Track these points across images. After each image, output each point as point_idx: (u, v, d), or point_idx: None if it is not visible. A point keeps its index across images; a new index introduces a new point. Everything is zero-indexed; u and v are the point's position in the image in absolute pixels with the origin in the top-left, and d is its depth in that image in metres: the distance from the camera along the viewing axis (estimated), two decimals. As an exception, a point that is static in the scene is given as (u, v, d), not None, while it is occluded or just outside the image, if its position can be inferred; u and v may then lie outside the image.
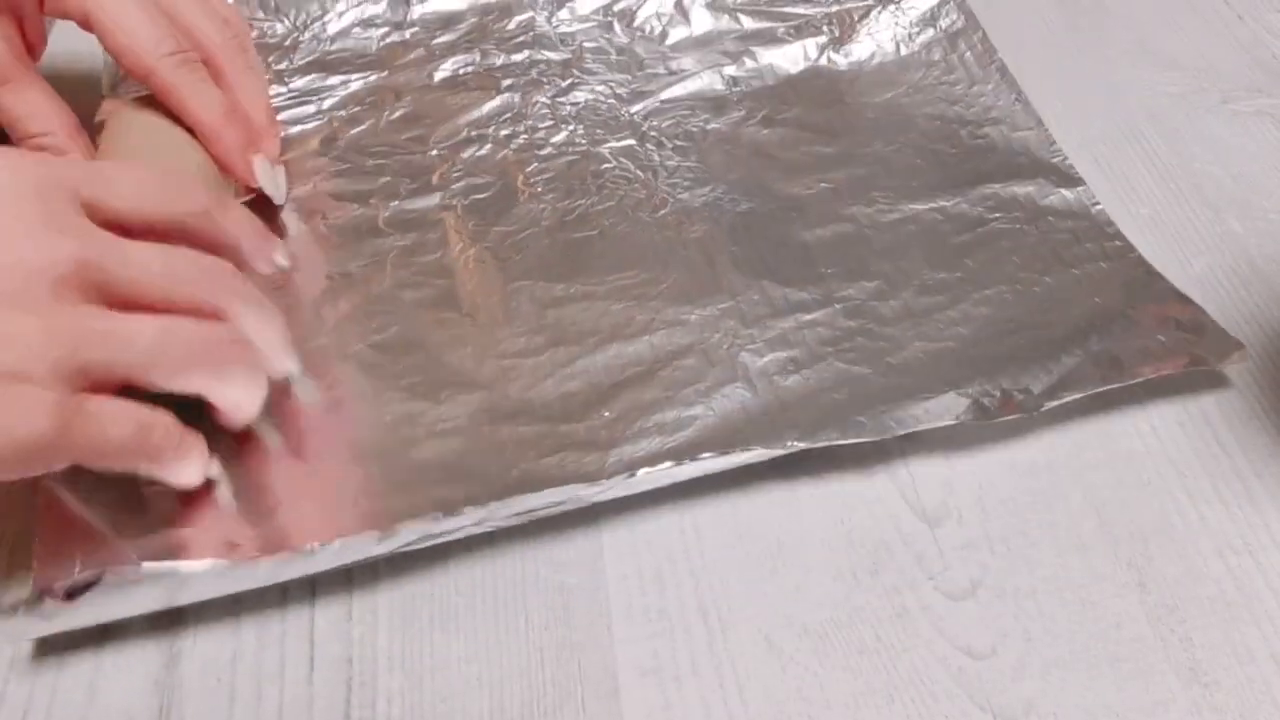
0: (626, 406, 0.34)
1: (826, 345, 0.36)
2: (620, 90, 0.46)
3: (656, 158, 0.43)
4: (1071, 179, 0.42)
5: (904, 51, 0.47)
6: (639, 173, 0.42)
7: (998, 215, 0.40)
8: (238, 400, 0.31)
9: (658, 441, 0.33)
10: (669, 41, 0.48)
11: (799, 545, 0.33)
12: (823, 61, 0.47)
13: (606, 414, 0.34)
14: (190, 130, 0.38)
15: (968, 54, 0.47)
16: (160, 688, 0.30)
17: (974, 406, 0.34)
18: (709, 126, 0.44)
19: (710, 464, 0.33)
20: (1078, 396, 0.34)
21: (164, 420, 0.30)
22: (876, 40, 0.47)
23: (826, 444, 0.33)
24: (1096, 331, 0.36)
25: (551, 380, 0.35)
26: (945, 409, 0.34)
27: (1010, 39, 0.48)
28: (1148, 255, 0.39)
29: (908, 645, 0.31)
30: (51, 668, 0.30)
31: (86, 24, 0.36)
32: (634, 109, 0.45)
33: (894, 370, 0.35)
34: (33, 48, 0.39)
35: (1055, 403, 0.34)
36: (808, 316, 0.37)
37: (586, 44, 0.48)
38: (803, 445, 0.33)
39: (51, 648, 0.31)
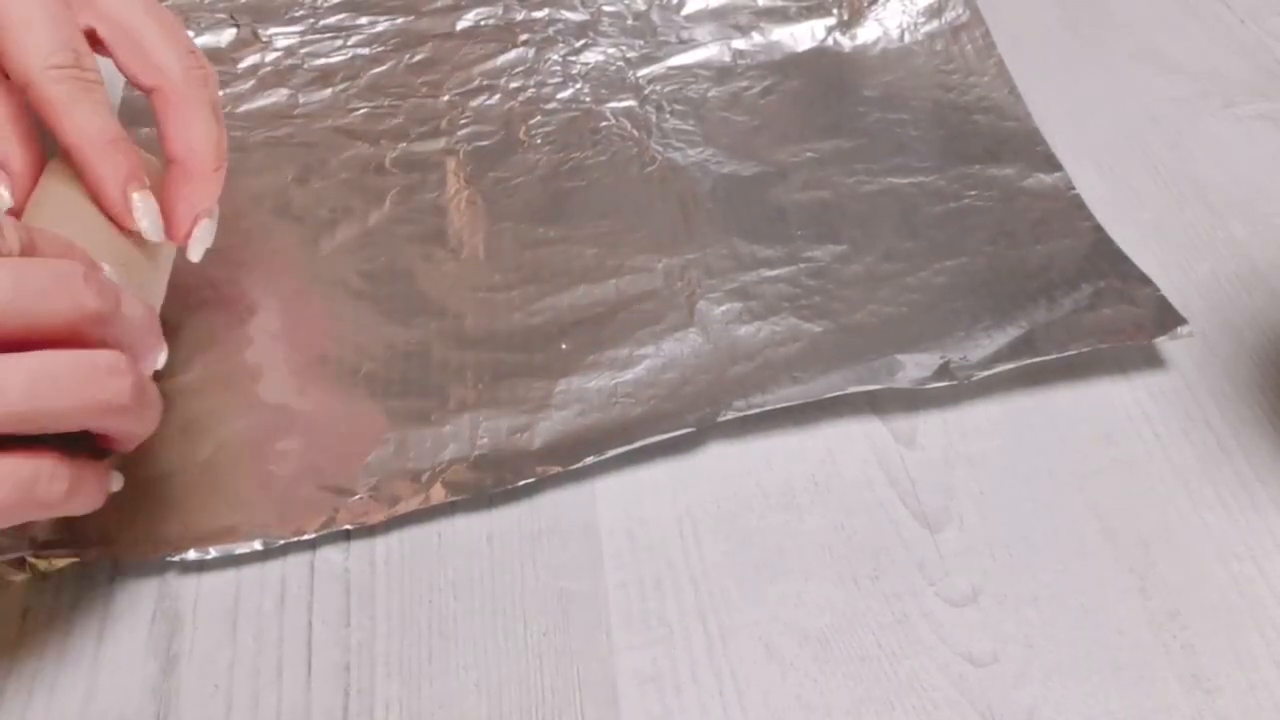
0: (582, 340, 0.37)
1: (784, 300, 0.38)
2: (630, 54, 0.47)
3: (654, 119, 0.45)
4: (1052, 164, 0.43)
5: (908, 39, 0.48)
6: (634, 132, 0.44)
7: (973, 192, 0.42)
8: (131, 429, 0.29)
9: (607, 376, 0.36)
10: (684, 11, 0.49)
11: (799, 551, 0.33)
12: (829, 42, 0.48)
13: (563, 346, 0.37)
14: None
15: (968, 47, 0.48)
16: (157, 694, 0.30)
17: (911, 371, 0.35)
18: (709, 94, 0.46)
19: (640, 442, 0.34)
20: (1009, 367, 0.35)
21: (46, 467, 0.26)
22: (883, 26, 0.48)
23: (760, 410, 0.34)
24: (1046, 304, 0.37)
25: (519, 314, 0.38)
26: (882, 371, 0.35)
27: (1012, 43, 0.48)
28: (1150, 259, 0.39)
29: (908, 652, 0.30)
30: (48, 673, 0.30)
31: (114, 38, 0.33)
32: (640, 73, 0.47)
33: (844, 330, 0.37)
34: None
35: (987, 372, 0.35)
36: (770, 272, 0.39)
37: (605, 7, 0.49)
38: (734, 415, 0.34)
39: (50, 649, 0.31)
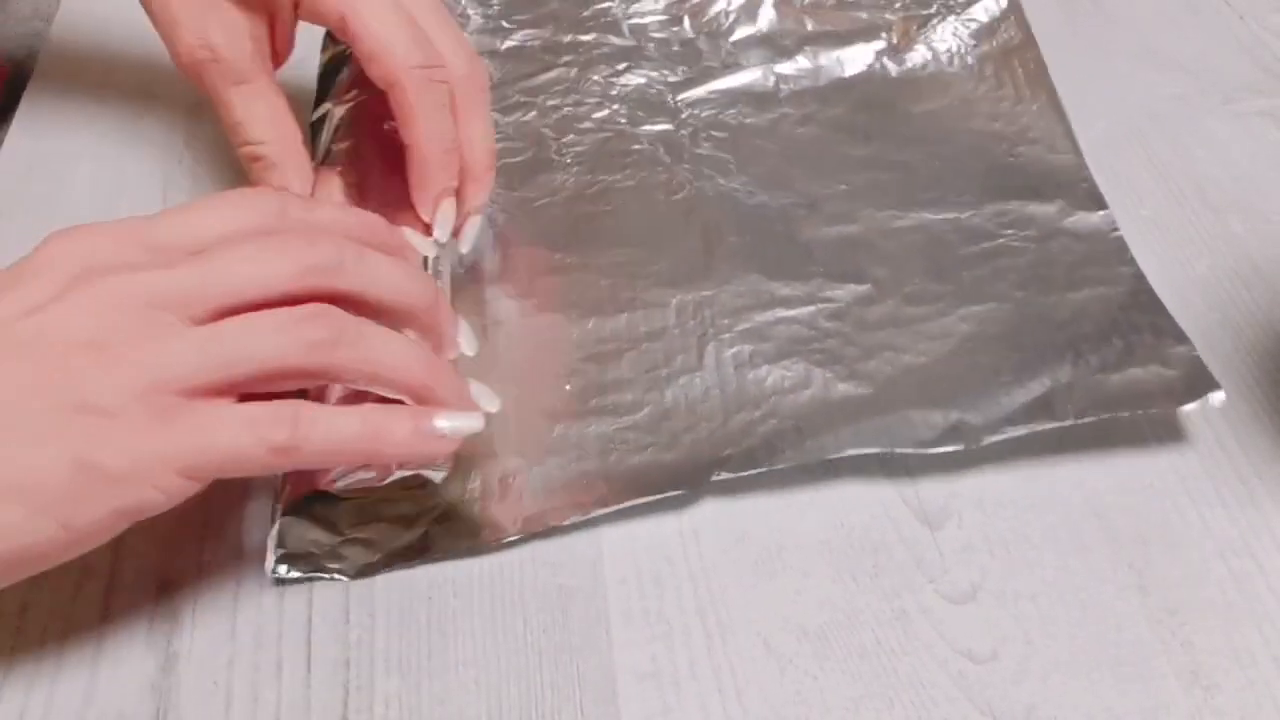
0: (586, 383, 0.36)
1: (798, 343, 0.36)
2: (671, 78, 0.47)
3: (688, 144, 0.44)
4: (1097, 202, 0.40)
5: (957, 65, 0.46)
6: (666, 157, 0.43)
7: (1009, 232, 0.40)
8: (377, 379, 0.30)
9: (608, 422, 0.35)
10: (733, 38, 0.48)
11: (798, 548, 0.33)
12: (876, 67, 0.47)
13: (567, 387, 0.36)
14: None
15: (1020, 71, 0.46)
16: (157, 691, 0.30)
17: (920, 431, 0.34)
18: (747, 121, 0.45)
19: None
20: (1020, 434, 0.33)
21: (266, 408, 0.28)
22: (933, 49, 0.47)
23: (755, 472, 0.33)
24: (1071, 361, 0.35)
25: (524, 346, 0.37)
26: (890, 430, 0.34)
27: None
28: (1149, 256, 0.39)
29: (908, 649, 0.30)
30: (48, 671, 0.30)
31: (342, 28, 0.35)
32: (680, 97, 0.46)
33: (856, 378, 0.35)
34: (278, 54, 0.38)
35: (996, 437, 0.33)
36: (787, 313, 0.37)
37: (654, 34, 0.49)
38: (727, 476, 0.33)
39: (49, 646, 0.31)
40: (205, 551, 0.33)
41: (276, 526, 0.32)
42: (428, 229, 0.37)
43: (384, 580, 0.32)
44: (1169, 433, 0.35)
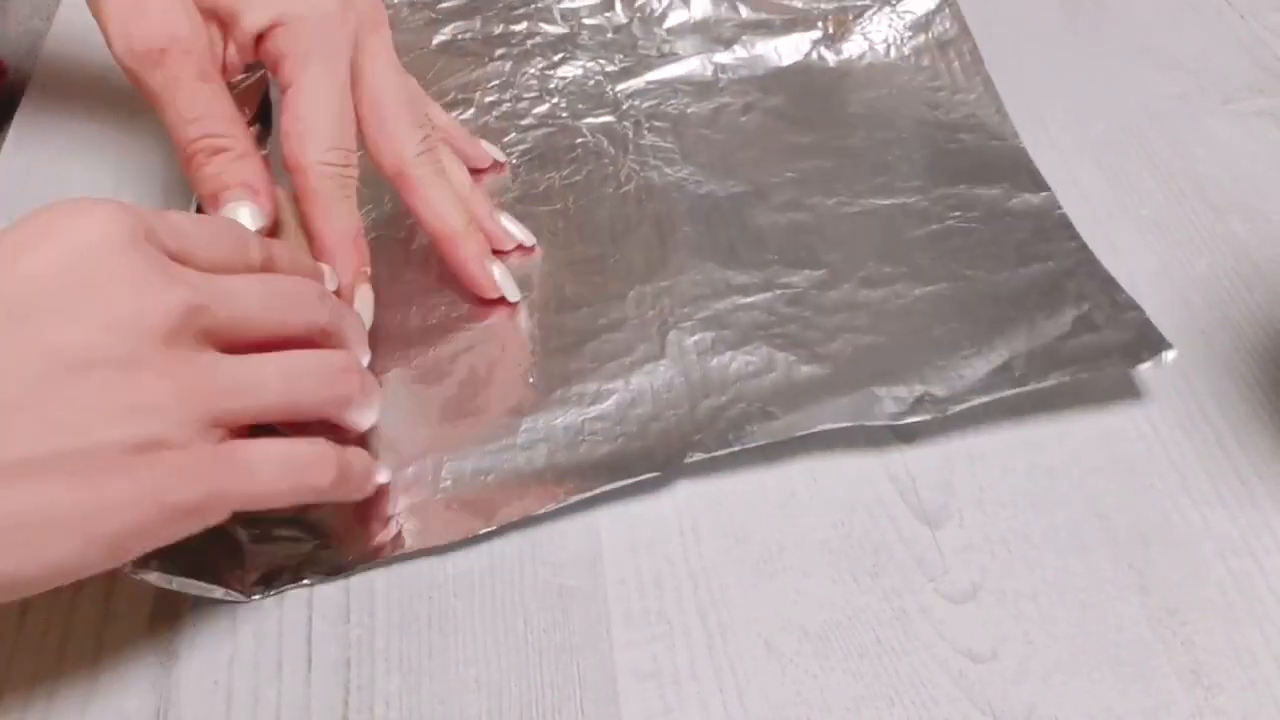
0: (548, 375, 0.36)
1: (758, 329, 0.37)
2: (609, 68, 0.47)
3: (631, 136, 0.44)
4: (1038, 184, 0.41)
5: (894, 55, 0.47)
6: (611, 149, 0.43)
7: (956, 213, 0.40)
8: (359, 420, 0.32)
9: (575, 413, 0.35)
10: (666, 24, 0.48)
11: (799, 548, 0.33)
12: (814, 57, 0.47)
13: (530, 380, 0.36)
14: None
15: (955, 63, 0.47)
16: (157, 689, 0.30)
17: (888, 405, 0.34)
18: (689, 110, 0.45)
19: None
20: (986, 400, 0.34)
21: (318, 451, 0.30)
22: (869, 40, 0.48)
23: (728, 451, 0.33)
24: (1027, 330, 0.36)
25: (485, 344, 0.37)
26: (858, 406, 0.34)
27: (1011, 39, 0.48)
28: (1149, 256, 0.39)
29: (908, 648, 0.30)
30: (49, 670, 0.30)
31: (283, 90, 0.35)
32: (619, 87, 0.46)
33: (819, 360, 0.36)
34: (227, 70, 0.38)
35: (962, 406, 0.34)
36: (745, 300, 0.38)
37: (586, 20, 0.48)
38: (701, 456, 0.33)
39: (50, 645, 0.31)
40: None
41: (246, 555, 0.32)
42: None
43: (384, 580, 0.32)
44: (1170, 432, 0.35)
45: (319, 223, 0.35)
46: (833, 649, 0.31)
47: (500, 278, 0.38)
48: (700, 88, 0.46)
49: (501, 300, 0.38)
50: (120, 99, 0.46)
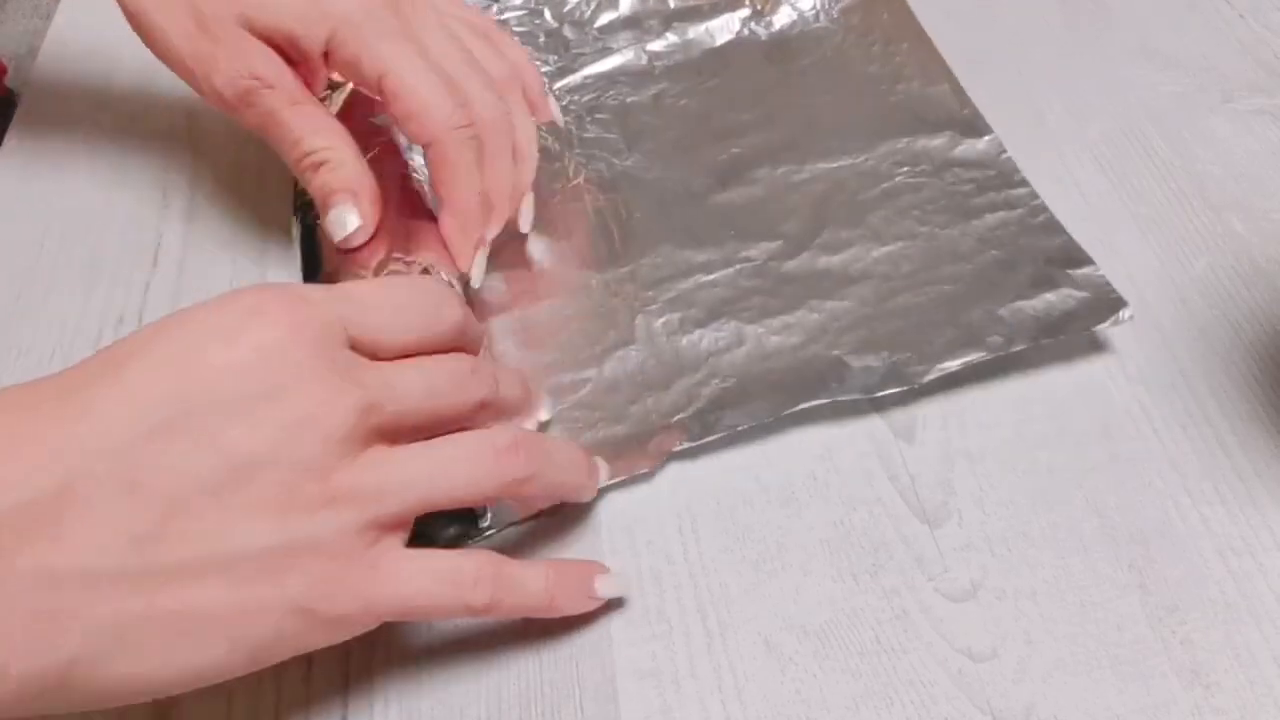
0: (519, 369, 0.36)
1: (725, 304, 0.37)
2: (545, 69, 0.47)
3: (574, 131, 0.44)
4: (979, 129, 0.42)
5: (824, 20, 0.48)
6: (556, 146, 0.44)
7: (904, 169, 0.41)
8: (552, 493, 0.32)
9: (550, 404, 0.35)
10: (598, 24, 0.49)
11: (798, 547, 0.33)
12: (745, 33, 0.48)
13: None
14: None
15: (885, 16, 0.48)
16: (157, 690, 0.30)
17: (860, 376, 0.35)
18: (629, 100, 0.46)
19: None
20: (956, 366, 0.35)
21: (470, 564, 0.28)
22: (798, 9, 0.49)
23: (712, 437, 0.34)
24: (986, 290, 0.37)
25: None
26: (830, 378, 0.35)
27: (1011, 38, 0.48)
28: (1149, 255, 0.39)
29: (907, 647, 0.30)
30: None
31: (379, 87, 0.35)
32: (556, 85, 0.46)
33: (786, 329, 0.37)
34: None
35: (933, 375, 0.35)
36: (708, 277, 0.38)
37: (517, 28, 0.49)
38: (688, 445, 0.34)
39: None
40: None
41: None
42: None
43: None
44: (1170, 431, 0.35)
45: (454, 191, 0.36)
46: (832, 648, 0.31)
47: (478, 263, 0.38)
48: (637, 77, 0.47)
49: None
50: (121, 97, 0.46)
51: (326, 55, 0.36)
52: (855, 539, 0.33)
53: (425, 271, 0.35)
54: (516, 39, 0.42)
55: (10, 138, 0.46)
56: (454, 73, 0.36)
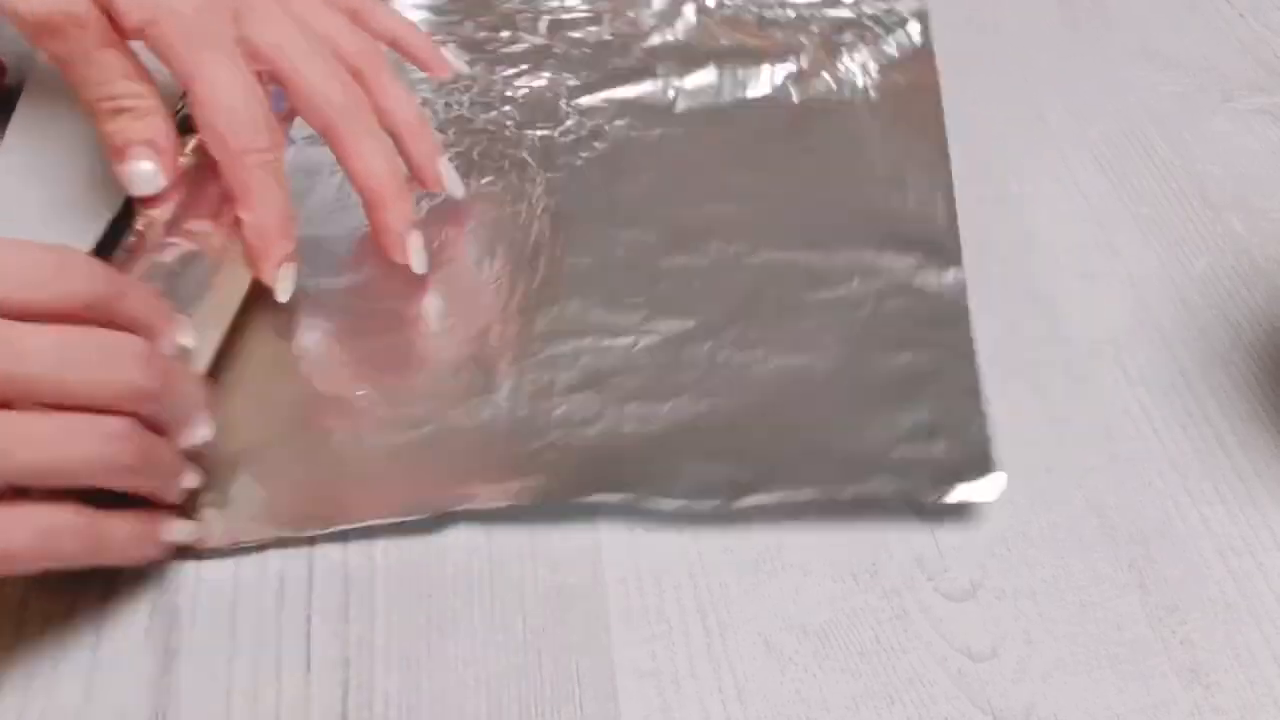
0: (374, 394, 0.35)
1: (603, 375, 0.35)
2: (571, 82, 0.46)
3: (565, 155, 0.43)
4: (949, 256, 0.39)
5: (859, 99, 0.45)
6: (538, 165, 0.42)
7: (854, 281, 0.38)
8: (146, 491, 0.30)
9: (392, 434, 0.34)
10: (645, 45, 0.47)
11: (798, 546, 0.33)
12: (779, 91, 0.46)
13: (359, 392, 0.35)
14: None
15: (915, 114, 0.45)
16: (156, 689, 0.30)
17: (681, 484, 0.33)
18: (631, 134, 0.44)
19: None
20: (767, 501, 0.32)
21: (66, 518, 0.27)
22: (838, 79, 0.46)
23: (494, 506, 0.33)
24: (864, 427, 0.34)
25: (327, 360, 0.36)
26: (654, 479, 0.33)
27: (1011, 39, 0.48)
28: (1148, 255, 0.39)
29: (907, 647, 0.30)
30: (46, 669, 0.30)
31: (277, 79, 0.35)
32: (574, 102, 0.45)
33: (646, 420, 0.34)
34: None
35: (747, 504, 0.32)
36: (605, 342, 0.36)
37: (570, 33, 0.48)
38: (467, 506, 0.32)
39: (48, 643, 0.31)
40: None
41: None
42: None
43: (384, 579, 0.32)
44: (1169, 431, 0.35)
45: (249, 212, 0.35)
46: (832, 648, 0.31)
47: (414, 247, 0.37)
48: (651, 112, 0.45)
49: (407, 270, 0.38)
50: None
51: (141, 31, 0.34)
52: (854, 538, 0.33)
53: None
54: (392, 5, 0.40)
55: (10, 137, 0.46)
56: (291, 70, 0.35)
